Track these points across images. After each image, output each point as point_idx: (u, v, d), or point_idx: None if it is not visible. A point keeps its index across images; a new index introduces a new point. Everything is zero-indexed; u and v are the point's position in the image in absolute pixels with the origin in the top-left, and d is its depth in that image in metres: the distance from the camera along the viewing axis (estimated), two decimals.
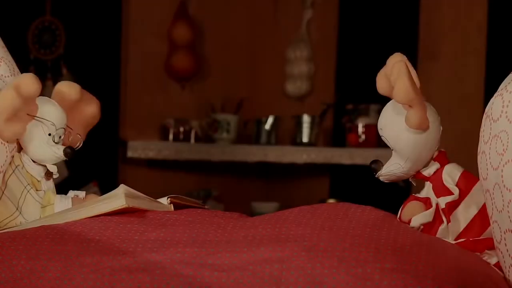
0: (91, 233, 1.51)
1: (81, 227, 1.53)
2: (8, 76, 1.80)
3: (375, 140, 3.68)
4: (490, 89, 2.04)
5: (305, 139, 3.86)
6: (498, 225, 1.48)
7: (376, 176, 1.66)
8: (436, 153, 1.64)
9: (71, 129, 1.72)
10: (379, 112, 4.20)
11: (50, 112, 1.68)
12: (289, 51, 4.06)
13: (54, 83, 3.85)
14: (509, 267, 1.47)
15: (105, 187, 2.45)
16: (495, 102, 1.48)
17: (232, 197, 4.11)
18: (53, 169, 1.71)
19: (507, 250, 1.46)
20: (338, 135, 3.95)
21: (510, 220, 1.43)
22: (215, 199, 3.95)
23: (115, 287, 1.39)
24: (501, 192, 1.44)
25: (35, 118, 1.66)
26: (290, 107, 4.09)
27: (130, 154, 3.79)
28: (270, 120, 3.94)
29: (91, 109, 1.77)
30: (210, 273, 1.39)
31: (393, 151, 1.64)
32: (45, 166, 1.70)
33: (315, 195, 4.02)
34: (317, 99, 4.03)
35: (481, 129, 1.53)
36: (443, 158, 1.64)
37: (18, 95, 1.60)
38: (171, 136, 3.86)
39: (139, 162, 3.90)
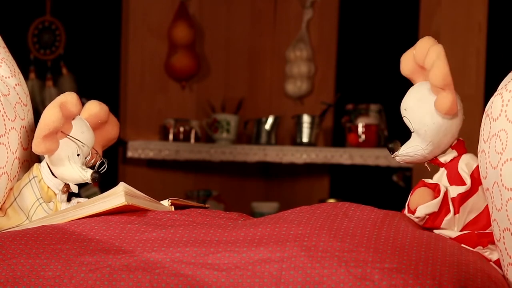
0: (91, 232, 1.51)
1: (81, 227, 1.53)
2: (9, 77, 1.80)
3: (375, 140, 3.68)
4: (490, 89, 2.04)
5: (305, 139, 3.85)
6: (497, 223, 1.48)
7: (392, 156, 1.65)
8: (455, 141, 1.64)
9: (96, 151, 1.73)
10: (379, 112, 4.19)
11: (84, 133, 1.69)
12: (289, 51, 4.06)
13: (54, 83, 3.87)
14: (508, 266, 1.47)
15: (105, 187, 2.44)
16: (495, 101, 1.48)
17: (232, 197, 4.11)
18: (75, 188, 1.72)
19: (506, 249, 1.46)
20: (338, 135, 3.94)
21: (509, 219, 1.43)
22: (215, 199, 3.95)
23: (115, 286, 1.39)
24: (500, 191, 1.44)
25: (68, 137, 1.67)
26: (290, 107, 4.09)
27: (130, 154, 3.79)
28: (270, 120, 3.94)
29: (113, 131, 1.80)
30: (210, 273, 1.39)
31: (413, 133, 1.63)
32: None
33: (315, 195, 4.02)
34: (317, 99, 4.02)
35: (481, 128, 1.53)
36: (461, 147, 1.64)
37: (63, 115, 1.61)
38: (171, 136, 3.85)
39: (139, 162, 3.90)
